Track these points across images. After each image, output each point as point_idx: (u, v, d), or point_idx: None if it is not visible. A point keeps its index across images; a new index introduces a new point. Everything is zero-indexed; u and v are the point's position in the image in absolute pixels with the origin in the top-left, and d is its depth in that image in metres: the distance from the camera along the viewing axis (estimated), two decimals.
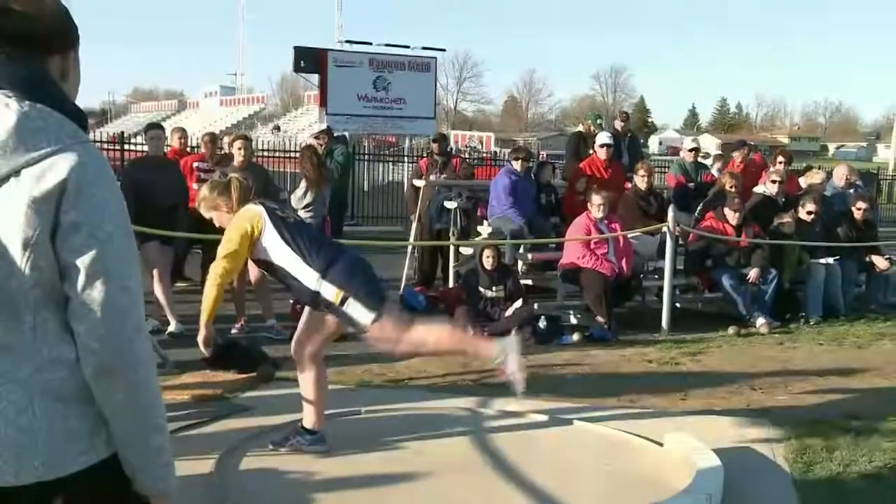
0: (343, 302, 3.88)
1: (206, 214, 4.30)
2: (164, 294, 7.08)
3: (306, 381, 4.36)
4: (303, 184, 7.97)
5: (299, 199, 7.84)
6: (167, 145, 9.34)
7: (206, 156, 9.02)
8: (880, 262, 9.44)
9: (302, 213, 8.03)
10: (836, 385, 6.23)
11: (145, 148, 8.44)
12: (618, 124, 11.37)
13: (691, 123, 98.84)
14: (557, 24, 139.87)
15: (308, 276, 3.93)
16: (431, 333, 4.10)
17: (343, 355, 6.24)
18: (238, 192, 4.16)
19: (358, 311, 3.89)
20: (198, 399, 5.26)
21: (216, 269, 4.00)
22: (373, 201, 18.94)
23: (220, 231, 4.18)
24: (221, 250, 4.01)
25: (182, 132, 9.74)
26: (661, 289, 8.31)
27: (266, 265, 4.10)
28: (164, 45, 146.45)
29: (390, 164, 22.38)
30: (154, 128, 8.04)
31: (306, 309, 4.30)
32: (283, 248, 3.97)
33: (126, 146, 17.20)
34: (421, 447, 4.53)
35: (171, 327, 7.03)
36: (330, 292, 3.89)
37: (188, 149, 10.53)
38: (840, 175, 10.73)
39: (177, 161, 8.63)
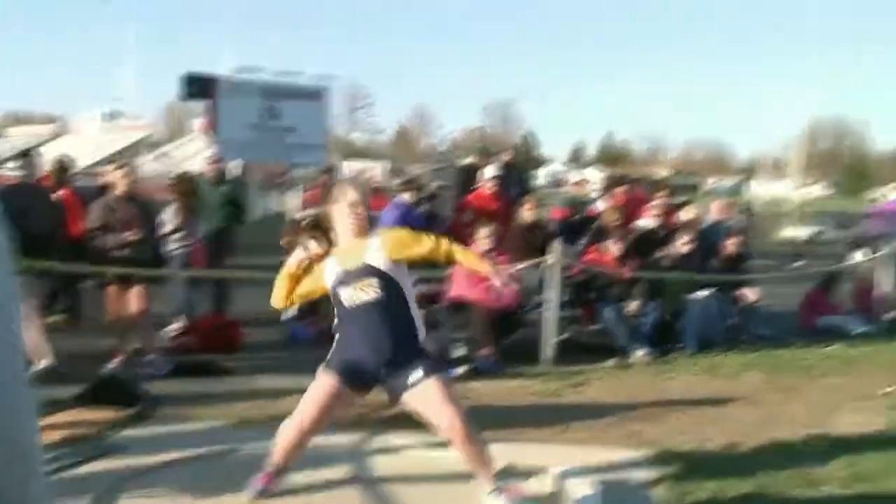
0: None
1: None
2: (36, 328, 6.78)
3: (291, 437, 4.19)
4: (172, 211, 8.30)
5: (168, 227, 8.12)
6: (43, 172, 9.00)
7: (52, 182, 8.70)
8: (750, 294, 9.89)
9: (172, 242, 8.08)
10: (709, 414, 6.47)
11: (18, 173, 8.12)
12: (505, 157, 11.58)
13: (577, 157, 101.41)
14: (449, 56, 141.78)
15: (419, 318, 4.14)
16: None
17: (227, 392, 6.09)
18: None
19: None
20: (70, 440, 5.04)
21: (449, 245, 4.21)
22: (261, 232, 18.59)
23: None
24: (425, 244, 4.16)
25: (60, 159, 9.40)
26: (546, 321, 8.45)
27: (394, 286, 4.08)
28: (44, 68, 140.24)
29: (279, 193, 22.13)
30: (29, 154, 7.82)
31: (322, 390, 4.10)
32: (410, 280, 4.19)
33: None
34: (297, 485, 4.45)
35: (43, 363, 6.72)
36: (428, 343, 4.16)
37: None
38: (716, 209, 11.24)
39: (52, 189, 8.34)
